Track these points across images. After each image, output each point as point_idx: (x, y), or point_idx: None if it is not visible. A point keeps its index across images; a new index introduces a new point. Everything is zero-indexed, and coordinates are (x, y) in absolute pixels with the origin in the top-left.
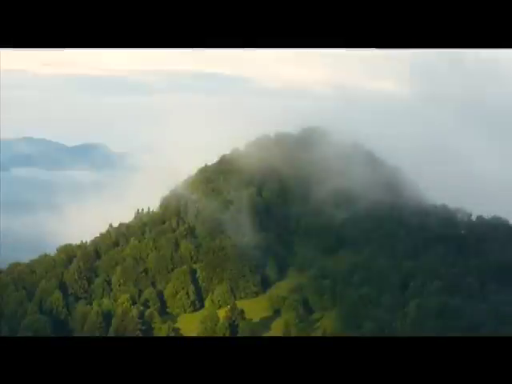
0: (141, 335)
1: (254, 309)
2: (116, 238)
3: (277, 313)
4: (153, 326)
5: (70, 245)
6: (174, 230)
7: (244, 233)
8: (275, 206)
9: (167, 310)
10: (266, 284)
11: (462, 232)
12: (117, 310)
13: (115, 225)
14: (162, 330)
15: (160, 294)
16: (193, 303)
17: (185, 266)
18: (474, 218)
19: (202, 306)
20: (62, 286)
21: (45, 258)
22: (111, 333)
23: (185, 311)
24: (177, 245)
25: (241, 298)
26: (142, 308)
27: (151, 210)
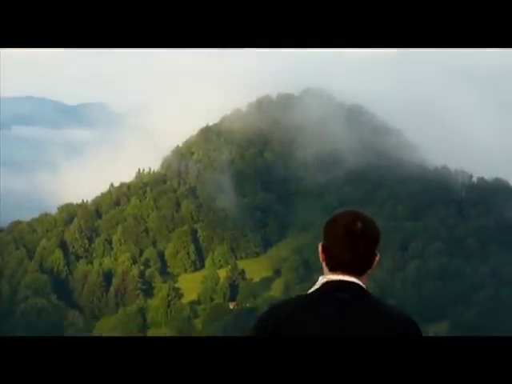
0: (141, 295)
1: (255, 269)
2: (117, 197)
3: (277, 273)
4: (153, 285)
5: (71, 204)
6: (174, 190)
7: (244, 193)
8: (276, 167)
9: (168, 269)
10: (266, 244)
11: (463, 193)
12: (117, 269)
13: (116, 184)
14: (162, 289)
15: (161, 254)
16: (193, 263)
17: (186, 226)
18: (474, 179)
19: (203, 265)
20: (63, 245)
21: (45, 216)
22: (112, 292)
23: (185, 271)
24: (178, 205)
25: (241, 258)
26: (142, 267)
27: (152, 169)
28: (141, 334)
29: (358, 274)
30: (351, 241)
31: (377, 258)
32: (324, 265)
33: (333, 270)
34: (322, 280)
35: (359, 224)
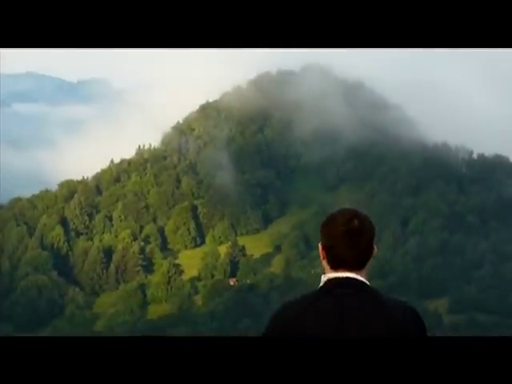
0: (141, 271)
1: (255, 245)
2: (117, 173)
3: (277, 249)
4: (154, 261)
5: (71, 180)
6: (175, 167)
7: (245, 169)
8: (276, 143)
9: (168, 245)
10: (266, 220)
11: (463, 170)
12: (118, 245)
13: (116, 161)
14: (162, 265)
15: (161, 230)
16: (194, 239)
17: (186, 202)
18: (475, 155)
19: (203, 242)
20: (63, 222)
21: (46, 193)
22: (112, 268)
23: (186, 247)
24: (178, 181)
25: (242, 234)
26: (142, 244)
27: (152, 146)
28: (141, 311)
29: (358, 269)
30: (351, 239)
31: (374, 251)
32: (325, 263)
33: (334, 268)
34: (323, 279)
35: (356, 222)
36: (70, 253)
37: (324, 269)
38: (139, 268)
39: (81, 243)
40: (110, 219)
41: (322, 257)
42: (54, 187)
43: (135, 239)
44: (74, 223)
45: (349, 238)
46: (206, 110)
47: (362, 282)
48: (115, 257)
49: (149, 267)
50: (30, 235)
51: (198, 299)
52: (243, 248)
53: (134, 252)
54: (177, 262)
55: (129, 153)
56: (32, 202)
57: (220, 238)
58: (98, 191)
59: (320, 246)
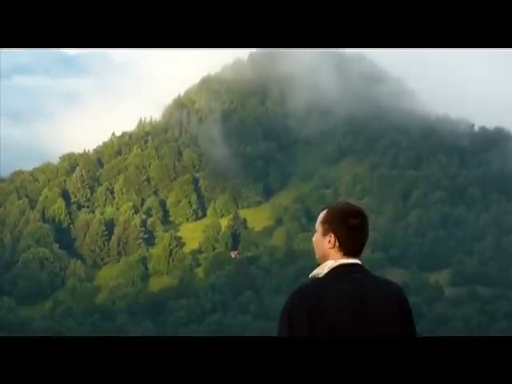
0: (143, 244)
1: (257, 218)
2: (119, 146)
3: (279, 222)
4: (155, 234)
5: (73, 153)
6: (176, 140)
7: (246, 142)
8: (278, 116)
9: (169, 218)
10: (268, 193)
11: (465, 142)
12: (119, 218)
13: (118, 134)
14: (164, 238)
15: (162, 203)
16: (195, 212)
17: (187, 175)
18: (476, 128)
19: (205, 214)
20: (65, 195)
21: (47, 166)
22: (113, 241)
23: (187, 220)
24: (179, 154)
25: (243, 207)
26: (144, 216)
27: (153, 119)
28: (143, 283)
29: (358, 256)
30: (360, 232)
31: None
32: (334, 251)
33: (346, 255)
34: (333, 264)
35: (363, 218)
36: (71, 226)
37: (328, 255)
38: (141, 241)
39: (82, 216)
40: (112, 192)
41: (330, 246)
42: (55, 160)
43: (137, 212)
44: (75, 196)
45: (359, 231)
46: (207, 82)
47: (363, 266)
48: (117, 230)
49: (150, 240)
50: (32, 208)
51: (200, 272)
52: (244, 221)
53: (135, 225)
54: (178, 234)
55: (130, 126)
56: (33, 175)
57: (221, 210)
58: (100, 164)
59: (332, 236)
